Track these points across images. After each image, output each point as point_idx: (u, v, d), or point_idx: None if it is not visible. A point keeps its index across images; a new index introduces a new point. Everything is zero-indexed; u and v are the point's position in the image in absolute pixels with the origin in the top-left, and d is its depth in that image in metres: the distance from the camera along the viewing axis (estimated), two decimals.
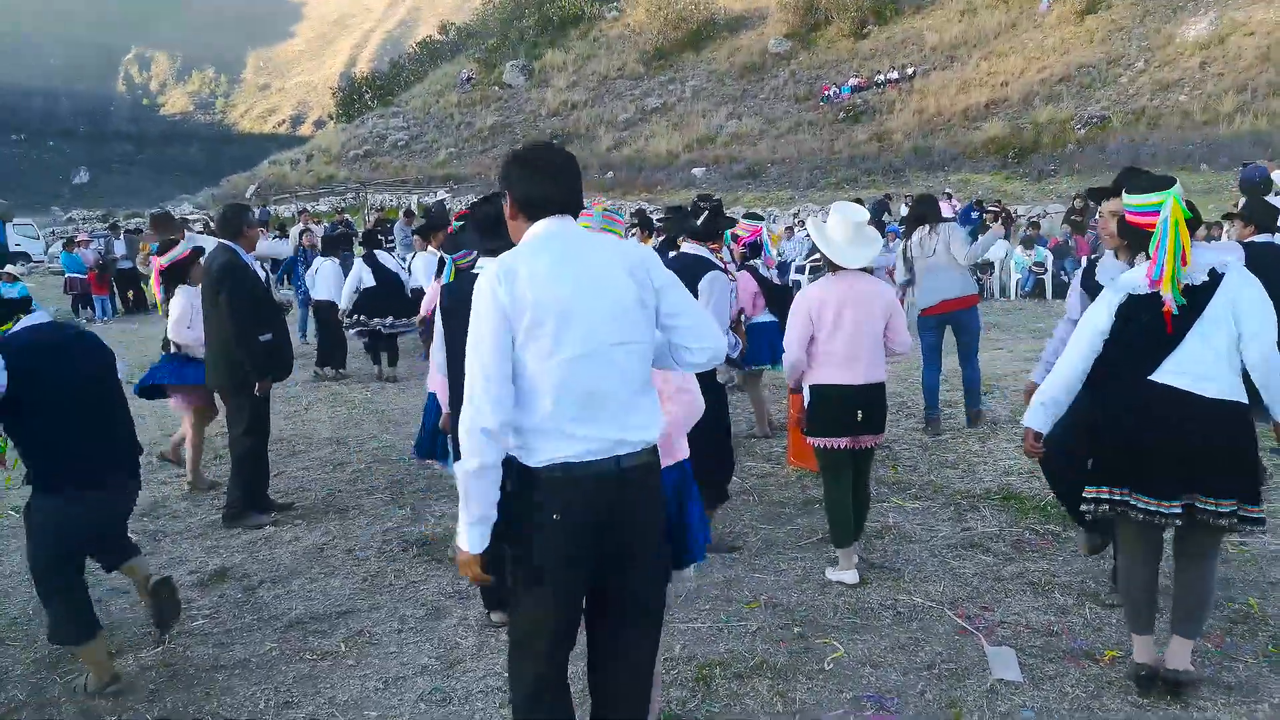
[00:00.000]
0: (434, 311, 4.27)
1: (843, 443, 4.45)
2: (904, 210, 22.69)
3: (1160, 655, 3.38)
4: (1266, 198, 6.07)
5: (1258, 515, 3.19)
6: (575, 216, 2.55)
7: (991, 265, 16.59)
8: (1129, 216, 3.36)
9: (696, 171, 37.64)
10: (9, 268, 17.27)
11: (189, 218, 26.56)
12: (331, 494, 6.20)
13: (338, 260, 10.76)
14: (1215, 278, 3.16)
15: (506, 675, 3.62)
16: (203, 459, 6.41)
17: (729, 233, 5.68)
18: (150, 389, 6.08)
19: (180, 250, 6.13)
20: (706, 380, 3.77)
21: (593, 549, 2.45)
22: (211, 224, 15.02)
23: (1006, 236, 18.14)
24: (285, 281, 13.63)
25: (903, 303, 14.21)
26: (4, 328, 3.61)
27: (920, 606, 4.17)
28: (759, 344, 6.85)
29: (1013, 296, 16.83)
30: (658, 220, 10.81)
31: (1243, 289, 3.14)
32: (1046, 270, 16.62)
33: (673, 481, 2.95)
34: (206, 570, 4.92)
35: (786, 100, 42.23)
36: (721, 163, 37.84)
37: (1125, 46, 35.45)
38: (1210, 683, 3.41)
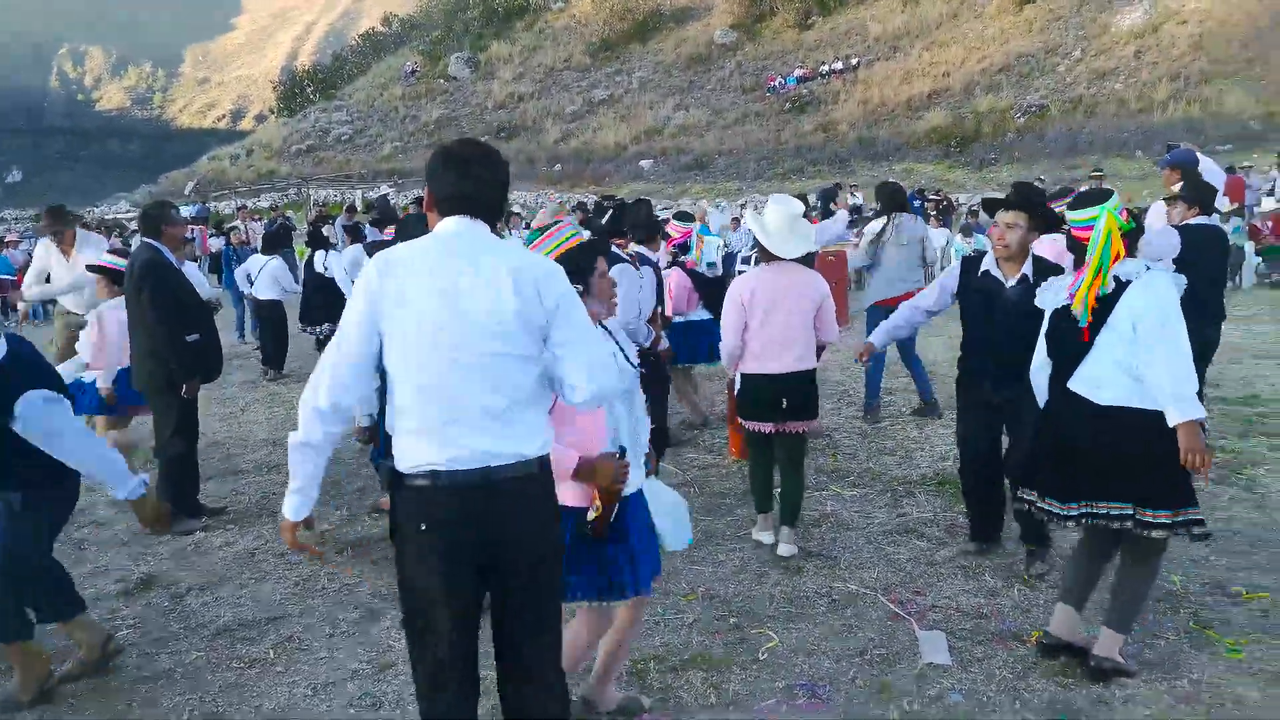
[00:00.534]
0: None
1: (768, 427, 4.65)
2: (851, 199, 22.93)
3: (1087, 636, 3.48)
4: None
5: (1160, 521, 3.19)
6: (491, 219, 2.44)
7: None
8: (1074, 231, 3.46)
9: (644, 163, 37.62)
10: None
11: (120, 217, 25.93)
12: (266, 497, 6.07)
13: (280, 258, 10.55)
14: (1121, 287, 3.26)
15: None
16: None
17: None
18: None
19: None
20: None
21: (466, 562, 2.34)
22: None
23: (947, 224, 18.42)
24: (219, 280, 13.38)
25: (854, 287, 14.34)
26: None
27: (855, 593, 4.20)
28: (696, 341, 6.85)
29: None
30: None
31: (1139, 297, 3.21)
32: None
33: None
34: (133, 579, 4.79)
35: (733, 91, 42.35)
36: (669, 154, 37.85)
37: (1063, 36, 36.09)
38: (1133, 658, 3.47)
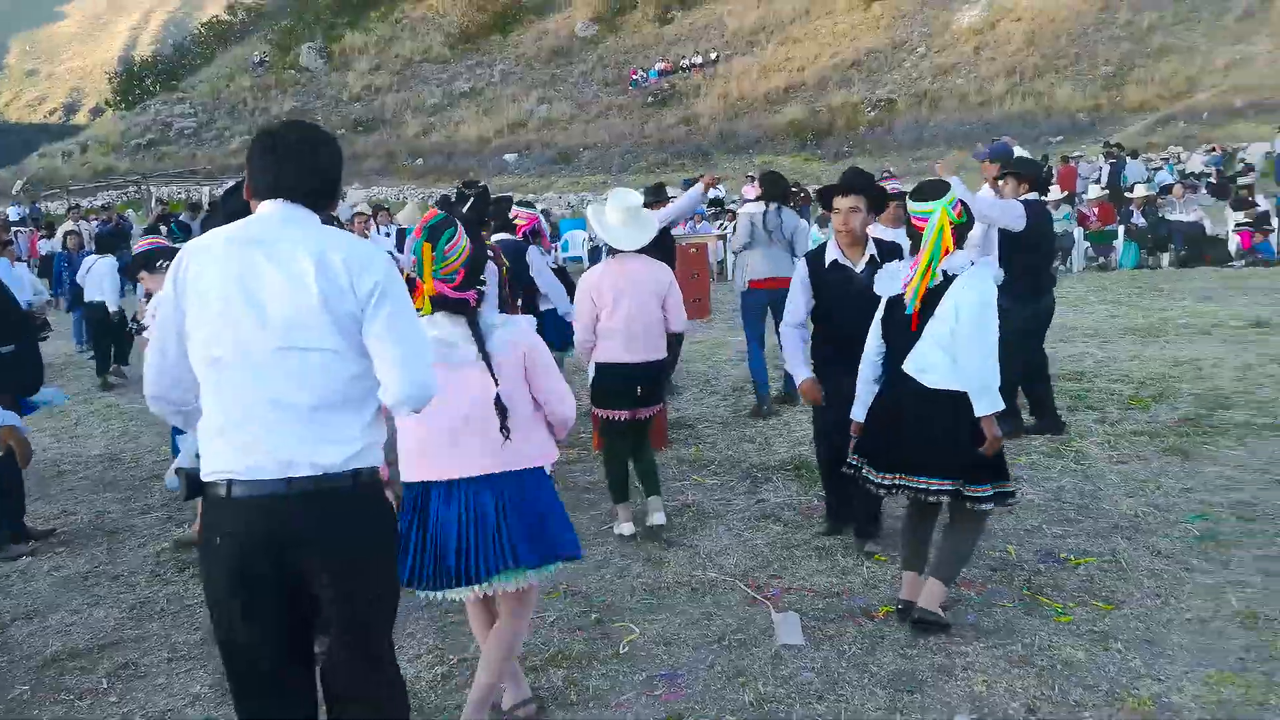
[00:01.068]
0: None
1: (623, 415, 4.79)
2: (714, 192, 23.29)
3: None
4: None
5: (983, 495, 3.50)
6: (316, 206, 2.25)
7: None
8: (914, 220, 3.68)
9: (509, 157, 37.28)
10: None
11: None
12: (100, 516, 5.71)
13: (114, 258, 9.91)
14: (948, 279, 3.52)
15: None
16: None
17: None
18: None
19: None
20: None
21: (266, 579, 2.13)
22: None
23: (805, 215, 18.96)
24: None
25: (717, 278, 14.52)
26: None
27: (714, 581, 4.26)
28: (545, 332, 6.79)
29: None
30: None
31: (962, 291, 3.47)
32: None
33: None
34: None
35: (596, 84, 42.42)
36: (534, 148, 37.64)
37: (908, 33, 37.69)
38: (971, 627, 3.65)
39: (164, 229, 12.65)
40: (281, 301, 2.11)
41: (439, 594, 2.95)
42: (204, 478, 2.17)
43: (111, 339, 9.75)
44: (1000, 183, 6.15)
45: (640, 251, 4.73)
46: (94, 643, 4.03)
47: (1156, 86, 28.99)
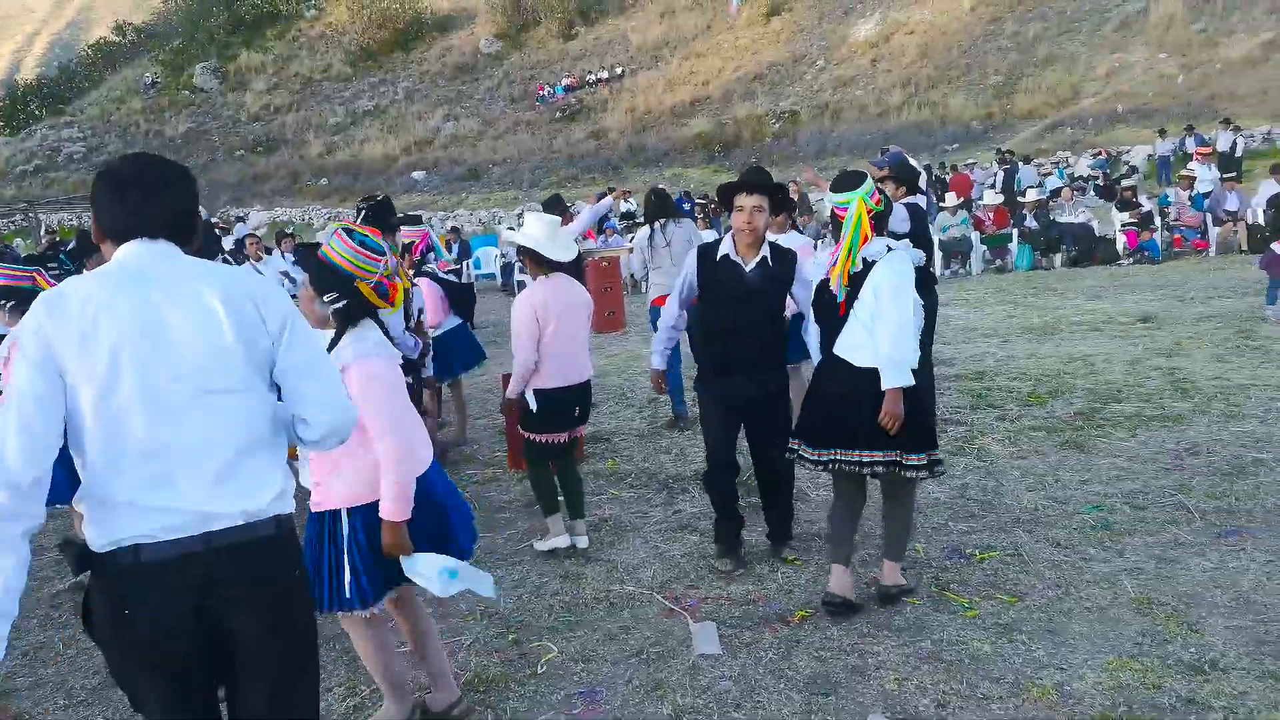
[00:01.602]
0: None
1: (562, 437, 4.73)
2: (625, 205, 23.40)
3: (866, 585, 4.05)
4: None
5: (918, 463, 3.73)
6: (179, 240, 2.11)
7: None
8: (836, 210, 3.84)
9: (417, 175, 36.85)
10: None
11: None
12: None
13: None
14: (868, 266, 3.71)
15: None
16: None
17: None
18: None
19: None
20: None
21: (189, 651, 2.00)
22: None
23: (715, 225, 19.20)
24: None
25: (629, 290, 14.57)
26: None
27: (632, 594, 4.26)
28: (450, 352, 6.68)
29: None
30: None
31: (876, 274, 3.68)
32: None
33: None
34: None
35: (503, 100, 42.29)
36: (442, 165, 37.30)
37: (808, 46, 38.59)
38: (883, 626, 3.73)
39: (52, 260, 12.07)
40: (193, 345, 1.98)
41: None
42: (98, 548, 1.96)
43: None
44: (879, 185, 6.35)
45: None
46: None
47: (1044, 94, 30.26)
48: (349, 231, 2.97)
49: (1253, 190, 15.50)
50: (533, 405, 4.59)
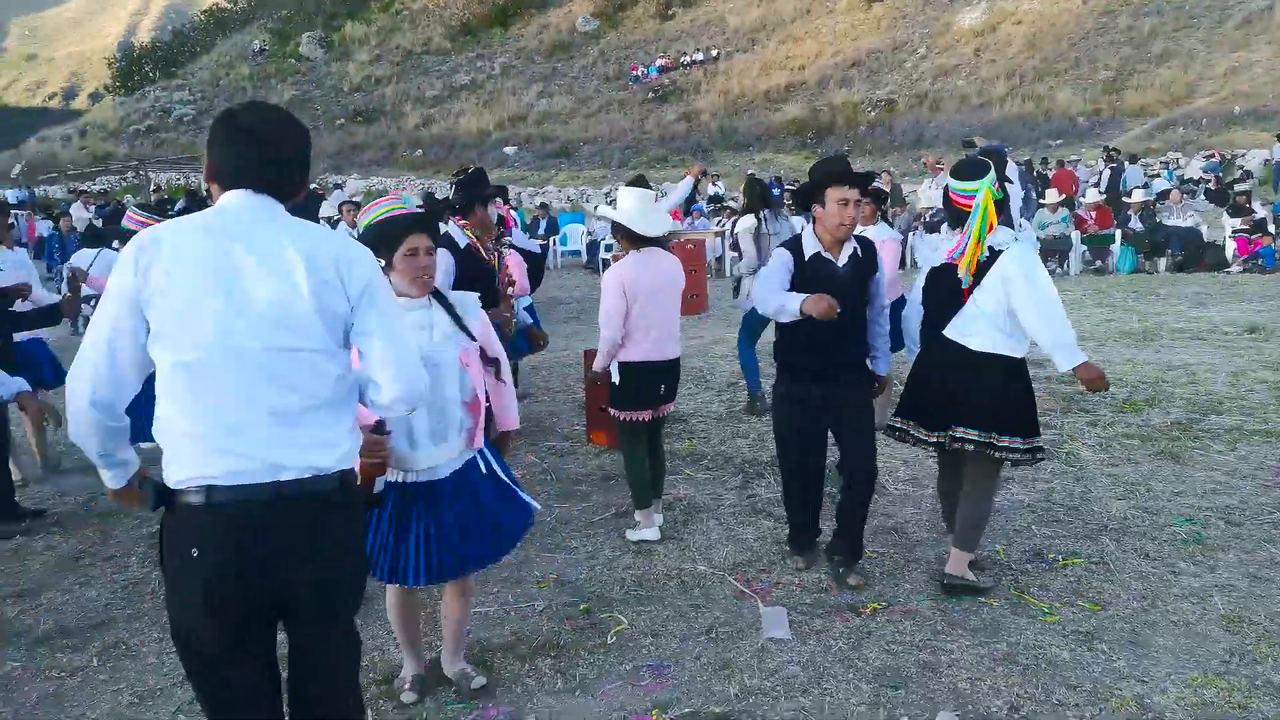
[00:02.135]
0: None
1: (646, 415, 4.66)
2: (712, 188, 23.28)
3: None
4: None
5: (1012, 445, 3.78)
6: (283, 196, 2.14)
7: None
8: (953, 197, 3.88)
9: (509, 150, 37.24)
10: None
11: None
12: (93, 498, 5.71)
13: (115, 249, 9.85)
14: (994, 255, 3.75)
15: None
16: None
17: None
18: None
19: None
20: None
21: (246, 592, 2.02)
22: None
23: (804, 214, 18.99)
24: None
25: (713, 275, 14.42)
26: None
27: (703, 574, 4.28)
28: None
29: None
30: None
31: (1007, 267, 3.71)
32: None
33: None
34: None
35: (597, 79, 42.42)
36: (533, 141, 37.60)
37: (909, 33, 37.72)
38: (958, 625, 3.68)
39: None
40: (269, 300, 2.00)
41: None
42: (173, 485, 2.02)
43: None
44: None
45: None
46: (85, 622, 4.04)
47: (1156, 92, 29.03)
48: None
49: None
50: (615, 378, 4.59)
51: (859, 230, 4.94)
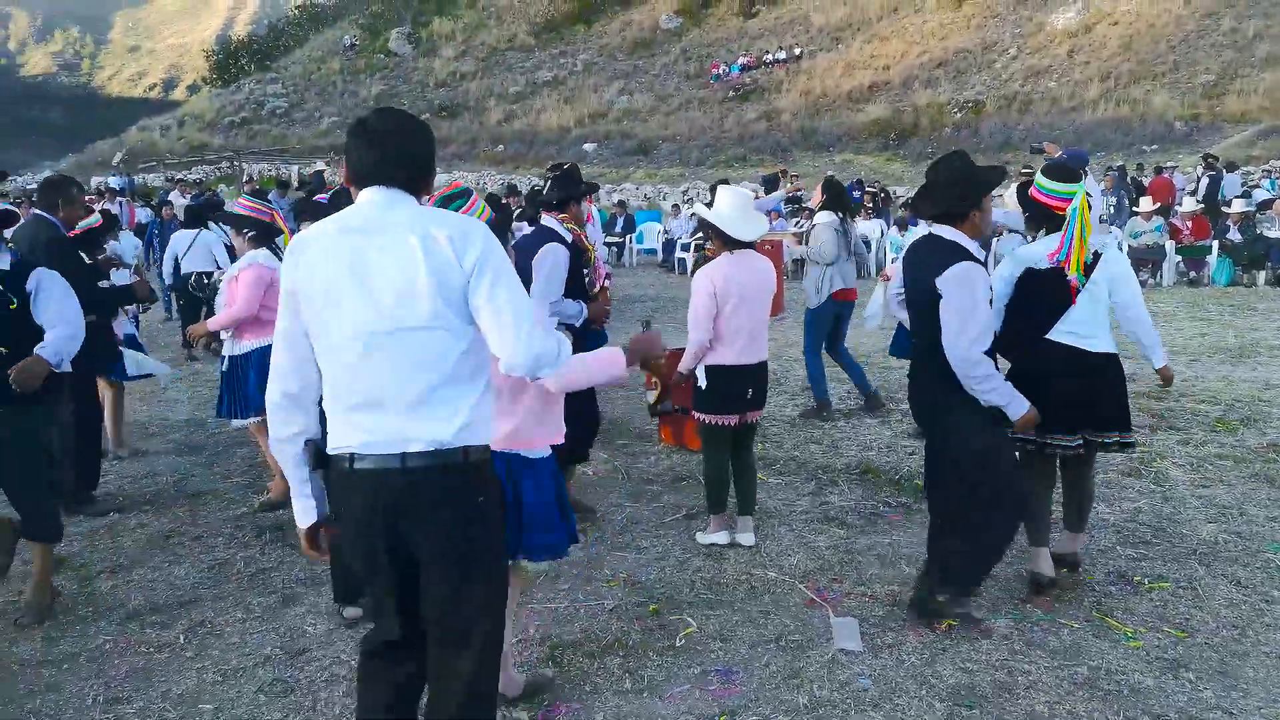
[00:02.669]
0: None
1: (733, 420, 4.60)
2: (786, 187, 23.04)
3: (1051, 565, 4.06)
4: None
5: (1133, 440, 4.04)
6: (413, 190, 2.31)
7: (868, 244, 16.94)
8: (1038, 195, 3.91)
9: (588, 147, 37.47)
10: None
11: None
12: (183, 479, 5.94)
13: (214, 231, 10.18)
14: (1095, 257, 3.82)
15: (352, 664, 3.56)
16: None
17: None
18: None
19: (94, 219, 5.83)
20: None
21: (385, 553, 2.28)
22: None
23: (884, 216, 18.69)
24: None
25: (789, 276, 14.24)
26: None
27: (774, 580, 4.26)
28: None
29: None
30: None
31: (1114, 266, 3.88)
32: None
33: (509, 469, 2.90)
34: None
35: (678, 77, 42.41)
36: (613, 138, 37.77)
37: (999, 33, 36.82)
38: (1037, 646, 3.58)
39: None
40: (393, 285, 2.18)
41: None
42: (329, 451, 2.31)
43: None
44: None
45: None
46: (173, 599, 4.21)
47: (1260, 98, 27.76)
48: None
49: None
50: (701, 381, 4.56)
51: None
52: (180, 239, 10.23)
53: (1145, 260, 14.42)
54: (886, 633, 3.72)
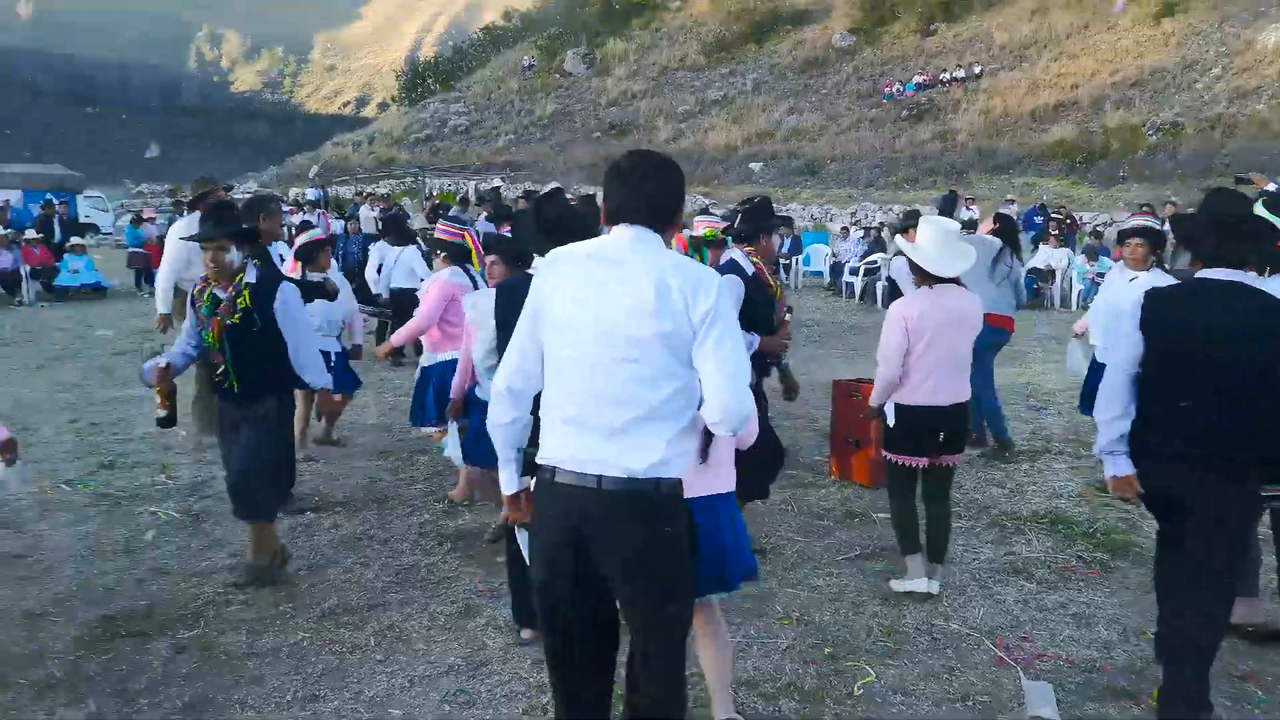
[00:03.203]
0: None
1: (921, 462, 4.41)
2: (966, 212, 22.25)
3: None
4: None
5: None
6: (659, 227, 2.44)
7: (1052, 273, 16.12)
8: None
9: (754, 166, 37.41)
10: (75, 240, 17.71)
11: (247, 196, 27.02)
12: (372, 482, 6.24)
13: (414, 247, 10.64)
14: None
15: (532, 680, 3.63)
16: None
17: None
18: None
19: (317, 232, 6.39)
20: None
21: (575, 567, 2.39)
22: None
23: (1070, 244, 17.73)
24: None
25: None
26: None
27: (957, 633, 4.07)
28: None
29: (1073, 307, 16.33)
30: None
31: None
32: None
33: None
34: (246, 554, 4.96)
35: (849, 96, 41.76)
36: (780, 158, 37.55)
37: (1202, 51, 34.42)
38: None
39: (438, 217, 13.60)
40: (623, 317, 2.31)
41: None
42: (537, 460, 2.45)
43: (398, 320, 10.57)
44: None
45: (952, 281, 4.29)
46: (364, 601, 4.41)
47: None
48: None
49: None
50: (889, 419, 4.44)
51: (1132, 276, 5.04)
52: (382, 251, 10.79)
53: None
54: (1085, 703, 3.48)
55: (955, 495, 5.90)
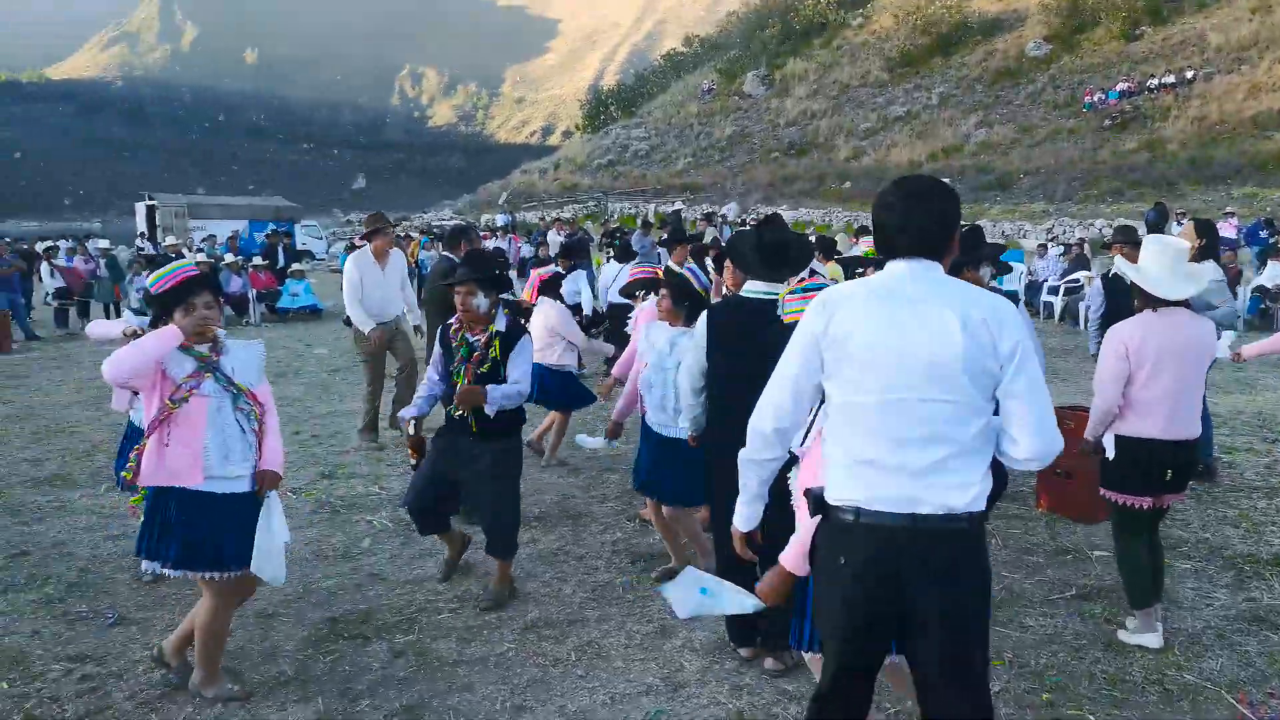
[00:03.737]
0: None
1: (1146, 502, 4.08)
2: (1178, 226, 20.65)
3: None
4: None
5: None
6: (936, 256, 2.37)
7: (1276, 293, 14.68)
8: None
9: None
10: (295, 265, 19.30)
11: (444, 223, 28.54)
12: (565, 499, 6.41)
13: (583, 269, 11.16)
14: None
15: (730, 706, 3.60)
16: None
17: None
18: None
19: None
20: None
21: (881, 605, 2.34)
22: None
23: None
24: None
25: None
26: None
27: (1193, 685, 3.73)
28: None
29: None
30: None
31: None
32: None
33: None
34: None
35: (1043, 107, 39.75)
36: (967, 173, 36.11)
37: None
38: None
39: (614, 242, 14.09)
40: (927, 357, 2.25)
41: None
42: (830, 501, 2.40)
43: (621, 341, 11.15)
44: None
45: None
46: (563, 616, 4.52)
47: None
48: None
49: None
50: (1109, 452, 4.14)
51: None
52: (610, 272, 11.35)
53: None
54: None
55: (1183, 534, 5.50)
